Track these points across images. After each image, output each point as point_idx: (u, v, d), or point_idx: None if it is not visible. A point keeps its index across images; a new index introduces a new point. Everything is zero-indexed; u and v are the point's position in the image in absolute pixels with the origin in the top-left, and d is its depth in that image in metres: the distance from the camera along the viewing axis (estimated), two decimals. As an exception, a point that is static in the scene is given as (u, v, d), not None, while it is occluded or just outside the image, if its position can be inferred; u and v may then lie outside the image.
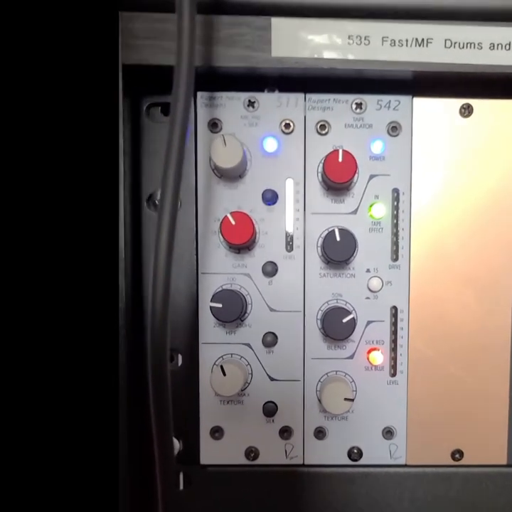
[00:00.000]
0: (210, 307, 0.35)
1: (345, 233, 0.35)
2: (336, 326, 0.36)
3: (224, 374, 0.35)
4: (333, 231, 0.35)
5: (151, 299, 0.28)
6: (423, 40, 0.34)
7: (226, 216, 0.35)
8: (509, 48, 0.34)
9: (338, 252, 0.35)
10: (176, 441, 0.38)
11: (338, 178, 0.35)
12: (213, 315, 0.35)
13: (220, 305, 0.35)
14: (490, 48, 0.34)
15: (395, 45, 0.34)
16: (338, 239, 0.35)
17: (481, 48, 0.34)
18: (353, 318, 0.36)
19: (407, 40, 0.34)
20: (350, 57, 0.34)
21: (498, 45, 0.34)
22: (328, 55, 0.34)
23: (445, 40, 0.34)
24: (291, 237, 0.37)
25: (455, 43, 0.34)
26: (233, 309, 0.35)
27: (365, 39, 0.34)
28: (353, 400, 0.36)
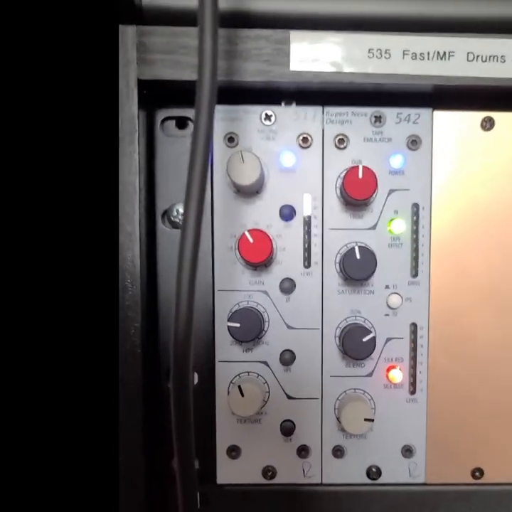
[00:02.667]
0: (228, 327, 0.35)
1: (366, 251, 0.35)
2: (356, 345, 0.35)
3: (242, 394, 0.35)
4: (353, 249, 0.34)
5: (175, 321, 0.27)
6: (445, 53, 0.33)
7: (244, 234, 0.34)
8: (533, 61, 0.33)
9: (358, 270, 0.35)
10: (192, 460, 0.38)
11: (358, 195, 0.34)
12: (231, 335, 0.35)
13: (238, 324, 0.35)
14: (514, 61, 0.33)
15: (416, 58, 0.33)
16: (358, 257, 0.34)
17: (504, 61, 0.33)
18: (374, 337, 0.35)
19: (428, 53, 0.33)
20: (370, 70, 0.33)
21: (522, 58, 0.33)
22: (347, 68, 0.33)
23: (467, 53, 0.33)
24: (309, 253, 0.37)
25: (478, 56, 0.33)
26: (251, 328, 0.35)
27: (385, 52, 0.33)
28: (373, 420, 0.35)
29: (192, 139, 0.28)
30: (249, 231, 0.34)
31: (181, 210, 0.36)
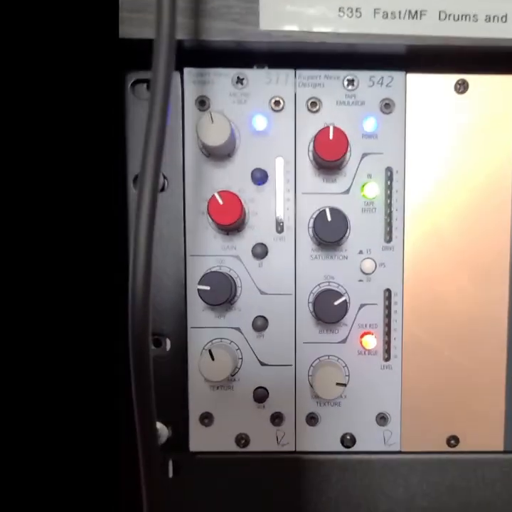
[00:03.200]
0: (198, 290, 0.34)
1: (337, 213, 0.34)
2: (328, 309, 0.35)
3: (212, 358, 0.34)
4: (324, 211, 0.34)
5: (131, 282, 0.26)
6: (417, 12, 0.33)
7: (213, 195, 0.34)
8: (505, 20, 0.33)
9: (330, 232, 0.34)
10: (164, 427, 0.37)
11: (329, 156, 0.34)
12: (201, 298, 0.34)
13: (208, 288, 0.34)
14: (486, 20, 0.33)
15: (387, 17, 0.33)
16: (329, 219, 0.34)
17: (477, 20, 0.33)
18: (345, 300, 0.35)
19: (400, 12, 0.33)
20: (341, 30, 0.33)
21: (494, 17, 0.33)
22: (318, 28, 0.33)
23: (439, 12, 0.33)
24: (282, 218, 0.36)
25: (450, 15, 0.33)
26: (222, 292, 0.34)
27: (356, 11, 0.33)
28: (345, 384, 0.35)
29: (150, 99, 0.27)
30: (218, 192, 0.34)
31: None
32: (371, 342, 0.37)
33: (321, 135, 0.33)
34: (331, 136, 0.33)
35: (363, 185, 0.36)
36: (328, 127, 0.33)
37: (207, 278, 0.34)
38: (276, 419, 0.37)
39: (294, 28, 0.33)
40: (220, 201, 0.34)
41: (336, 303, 0.34)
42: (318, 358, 0.37)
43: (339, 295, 0.35)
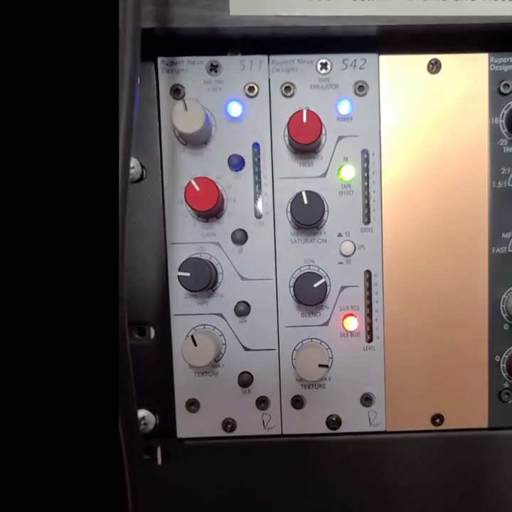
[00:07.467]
0: (178, 276, 0.35)
1: (313, 196, 0.34)
2: (308, 292, 0.35)
3: (195, 344, 0.35)
4: (301, 194, 0.34)
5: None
6: (386, -8, 0.33)
7: (190, 182, 0.34)
8: (474, -2, 0.33)
9: (307, 215, 0.34)
10: (151, 415, 0.38)
11: (303, 139, 0.34)
12: (182, 284, 0.35)
13: (188, 274, 0.34)
14: (455, -2, 0.33)
15: (357, -1, 0.33)
16: (305, 202, 0.34)
17: (446, -1, 0.33)
18: (325, 282, 0.35)
19: (369, -6, 0.33)
20: (312, 13, 0.33)
21: (463, -5, 0.33)
22: (289, 12, 0.33)
23: (408, -8, 0.33)
24: (260, 204, 0.36)
25: (419, -5, 0.33)
26: (202, 278, 0.35)
27: (325, -6, 0.33)
28: (327, 366, 0.35)
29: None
30: (195, 179, 0.34)
31: (131, 164, 0.36)
32: (353, 324, 0.37)
33: (294, 118, 0.34)
34: (304, 119, 0.33)
35: (340, 168, 0.36)
36: (301, 110, 0.34)
37: (186, 264, 0.35)
38: (262, 403, 0.38)
39: (265, 12, 0.33)
40: (197, 187, 0.34)
41: (316, 285, 0.35)
42: (301, 342, 0.37)
43: (318, 277, 0.35)
